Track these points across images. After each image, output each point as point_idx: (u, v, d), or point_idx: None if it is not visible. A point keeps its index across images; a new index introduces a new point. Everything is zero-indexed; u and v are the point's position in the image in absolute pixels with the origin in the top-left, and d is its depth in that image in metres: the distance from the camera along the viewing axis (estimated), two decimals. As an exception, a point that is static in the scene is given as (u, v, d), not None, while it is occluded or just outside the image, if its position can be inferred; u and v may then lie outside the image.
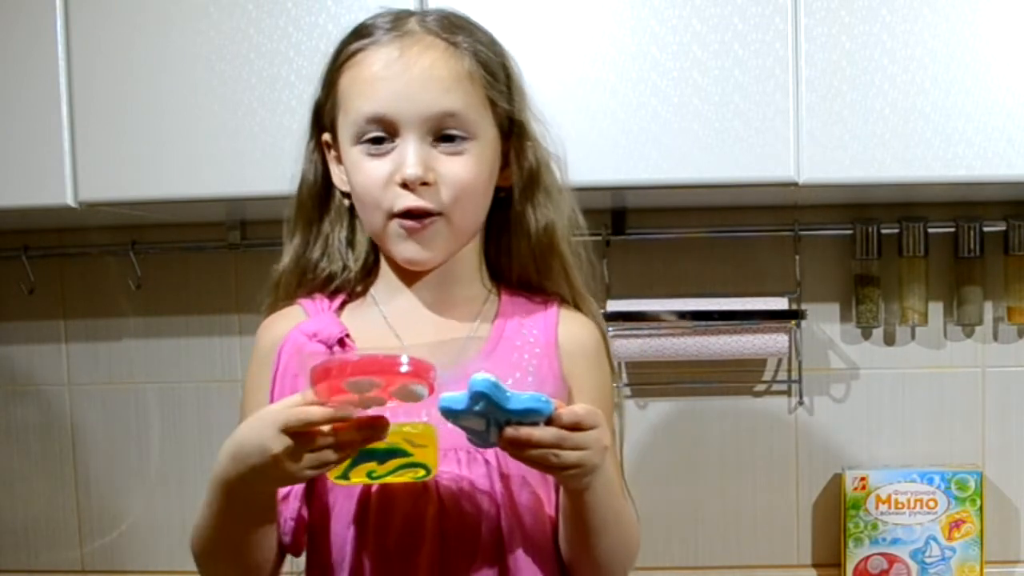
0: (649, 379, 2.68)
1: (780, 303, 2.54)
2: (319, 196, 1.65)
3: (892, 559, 2.54)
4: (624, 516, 1.62)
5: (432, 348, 1.50)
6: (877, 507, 2.54)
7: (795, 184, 2.16)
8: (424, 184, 1.50)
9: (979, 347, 2.63)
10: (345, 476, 1.43)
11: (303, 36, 2.19)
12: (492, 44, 1.59)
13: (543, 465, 1.39)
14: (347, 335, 1.57)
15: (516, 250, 1.66)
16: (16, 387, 2.84)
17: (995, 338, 2.63)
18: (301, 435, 1.33)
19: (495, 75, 1.57)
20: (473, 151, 1.54)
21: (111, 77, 2.24)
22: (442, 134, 1.52)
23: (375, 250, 1.65)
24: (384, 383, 1.31)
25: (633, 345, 2.53)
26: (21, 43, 2.25)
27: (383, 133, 1.51)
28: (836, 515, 2.61)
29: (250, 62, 2.21)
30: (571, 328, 1.66)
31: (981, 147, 2.14)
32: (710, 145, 2.15)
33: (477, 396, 1.31)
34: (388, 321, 1.62)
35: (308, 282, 1.66)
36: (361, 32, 1.56)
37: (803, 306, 2.56)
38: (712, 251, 2.65)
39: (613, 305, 2.54)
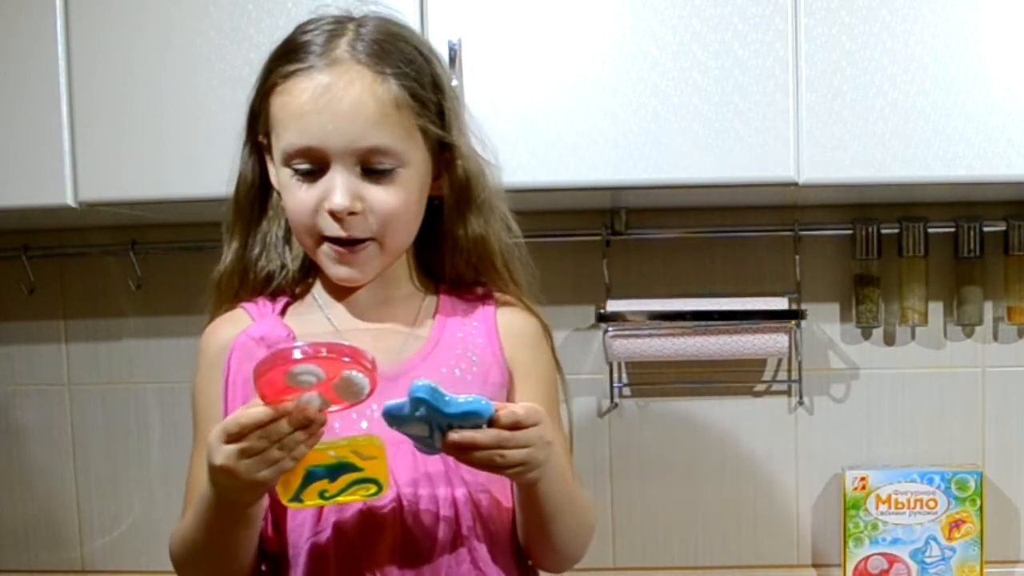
0: (649, 379, 2.68)
1: (780, 303, 2.54)
2: (256, 196, 1.67)
3: (892, 559, 2.55)
4: (577, 500, 1.65)
5: (375, 336, 1.59)
6: (877, 507, 2.54)
7: (795, 184, 2.16)
8: (352, 214, 1.52)
9: (979, 347, 2.64)
10: (298, 499, 1.44)
11: (303, 36, 2.19)
12: (422, 66, 1.58)
13: (489, 466, 1.42)
14: (293, 337, 1.59)
15: (448, 258, 1.69)
16: (16, 387, 2.84)
17: (995, 338, 2.63)
18: (242, 440, 1.35)
19: (423, 103, 1.57)
20: (401, 178, 1.55)
21: (111, 77, 2.24)
22: (370, 166, 1.53)
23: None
24: (326, 375, 1.33)
25: (633, 345, 2.53)
26: (21, 43, 2.25)
27: (311, 164, 1.53)
28: (836, 515, 2.61)
29: (250, 62, 2.20)
30: (509, 316, 1.70)
31: (981, 147, 2.14)
32: (710, 145, 2.15)
33: (417, 401, 1.34)
34: (332, 322, 1.64)
35: (249, 282, 1.67)
36: (292, 54, 1.56)
37: (803, 306, 2.56)
38: (712, 251, 2.65)
39: (613, 305, 2.54)
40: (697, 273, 2.65)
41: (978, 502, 2.52)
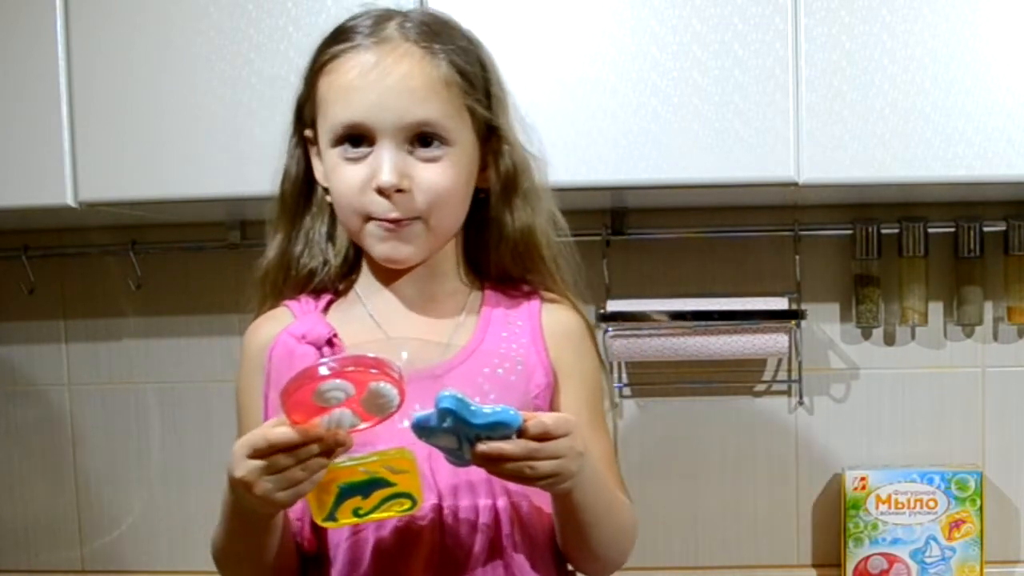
0: (649, 379, 2.68)
1: (780, 303, 2.54)
2: (301, 191, 1.66)
3: (892, 559, 2.55)
4: (616, 507, 1.63)
5: (418, 332, 1.59)
6: (877, 507, 2.54)
7: (795, 184, 2.16)
8: (399, 191, 1.52)
9: (979, 347, 2.64)
10: (332, 517, 1.44)
11: (303, 36, 2.18)
12: (470, 49, 1.60)
13: (519, 478, 1.40)
14: (335, 335, 1.58)
15: (494, 250, 1.68)
16: (16, 387, 2.84)
17: (995, 338, 2.63)
18: (267, 458, 1.34)
19: (472, 82, 1.57)
20: (449, 157, 1.55)
21: (111, 77, 2.24)
22: (418, 140, 1.53)
23: (355, 246, 1.66)
24: (355, 389, 1.32)
25: (633, 345, 2.53)
26: (21, 43, 2.25)
27: (358, 140, 1.53)
28: (836, 515, 2.61)
29: (250, 62, 2.21)
30: (555, 316, 1.68)
31: (981, 147, 2.14)
32: (710, 145, 2.15)
33: (444, 412, 1.32)
34: (375, 319, 1.63)
35: (292, 279, 1.67)
36: (340, 35, 1.57)
37: (803, 306, 2.56)
38: (712, 251, 2.65)
39: (613, 305, 2.54)
40: (697, 273, 2.65)
41: (978, 502, 2.52)
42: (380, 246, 1.56)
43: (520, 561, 1.58)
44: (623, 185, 2.20)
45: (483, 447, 1.35)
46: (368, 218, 1.54)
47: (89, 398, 2.82)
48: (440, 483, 1.53)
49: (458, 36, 1.59)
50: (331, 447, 1.35)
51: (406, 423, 1.36)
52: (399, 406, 1.36)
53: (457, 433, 1.34)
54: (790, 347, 2.54)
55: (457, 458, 1.39)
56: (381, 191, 1.51)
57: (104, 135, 2.24)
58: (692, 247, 2.63)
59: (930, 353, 2.64)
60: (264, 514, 1.45)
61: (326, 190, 1.62)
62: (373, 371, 1.32)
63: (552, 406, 1.63)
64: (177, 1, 2.23)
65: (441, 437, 1.36)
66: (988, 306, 2.60)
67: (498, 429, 1.34)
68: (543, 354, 1.64)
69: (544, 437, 1.37)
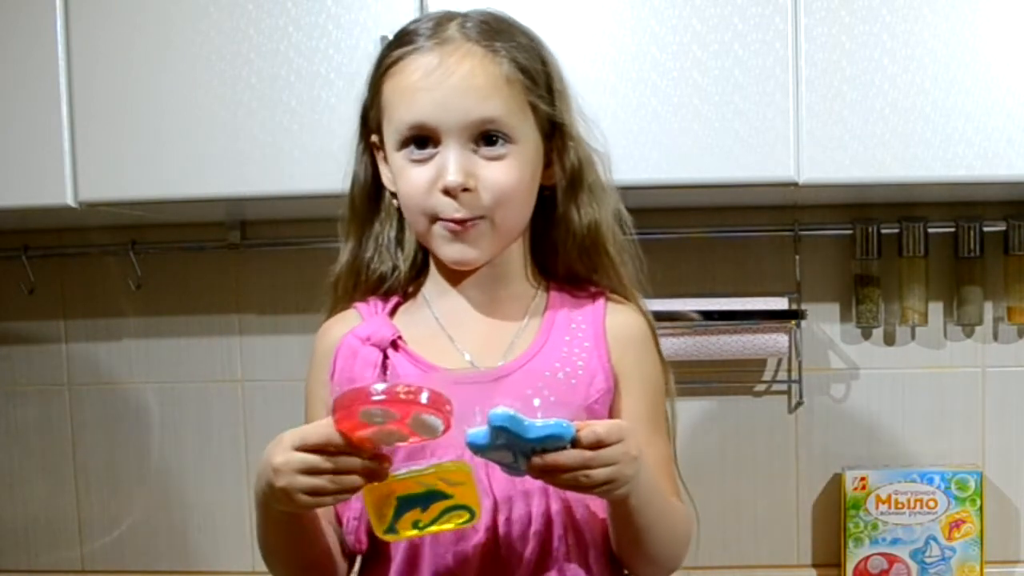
0: (649, 379, 2.67)
1: (780, 303, 2.54)
2: (370, 196, 1.68)
3: (892, 559, 2.55)
4: (670, 511, 1.64)
5: (483, 335, 1.62)
6: (877, 507, 2.54)
7: (795, 184, 2.16)
8: (465, 191, 1.52)
9: (979, 347, 2.64)
10: (393, 530, 1.44)
11: (303, 36, 2.19)
12: (531, 46, 1.60)
13: (575, 487, 1.40)
14: (399, 337, 1.60)
15: (562, 248, 1.68)
16: (16, 387, 2.84)
17: (995, 338, 2.63)
18: (310, 453, 1.35)
19: (534, 78, 1.58)
20: (514, 155, 1.55)
21: (111, 77, 2.24)
22: (483, 139, 1.54)
23: (424, 249, 1.68)
24: (399, 415, 1.32)
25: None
26: (21, 43, 2.25)
27: (424, 141, 1.54)
28: (836, 515, 2.61)
29: (250, 62, 2.21)
30: (619, 318, 1.68)
31: (981, 147, 2.14)
32: (710, 145, 2.15)
33: (497, 430, 1.32)
34: (440, 321, 1.65)
35: (362, 283, 1.69)
36: (403, 39, 1.58)
37: (803, 306, 2.56)
38: (712, 251, 2.64)
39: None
40: (697, 273, 2.65)
41: (978, 502, 2.52)
42: (447, 247, 1.57)
43: (574, 566, 1.59)
44: (623, 185, 2.20)
45: (538, 460, 1.35)
46: (435, 219, 1.55)
47: (89, 398, 2.82)
48: (496, 490, 1.54)
49: (518, 33, 1.60)
50: (371, 467, 1.36)
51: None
52: (444, 431, 1.36)
53: (511, 448, 1.35)
54: (790, 347, 2.54)
55: (513, 471, 1.39)
56: (447, 191, 1.52)
57: (104, 135, 2.25)
58: (692, 247, 2.63)
59: (930, 353, 2.64)
60: (277, 508, 1.44)
61: (394, 195, 1.64)
62: (423, 401, 1.32)
63: (612, 410, 1.63)
64: (177, 1, 2.23)
65: (496, 452, 1.36)
66: (988, 306, 2.60)
67: (552, 441, 1.35)
68: (604, 358, 1.63)
69: (597, 445, 1.37)
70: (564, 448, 1.35)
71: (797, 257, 2.59)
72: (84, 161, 2.25)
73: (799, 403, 2.64)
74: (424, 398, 1.32)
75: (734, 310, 2.50)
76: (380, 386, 1.33)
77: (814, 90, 2.14)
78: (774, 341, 2.51)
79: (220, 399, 2.76)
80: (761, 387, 2.68)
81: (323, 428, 1.35)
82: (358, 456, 1.35)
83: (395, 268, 1.68)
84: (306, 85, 2.20)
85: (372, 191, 1.67)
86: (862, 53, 2.14)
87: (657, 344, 1.73)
